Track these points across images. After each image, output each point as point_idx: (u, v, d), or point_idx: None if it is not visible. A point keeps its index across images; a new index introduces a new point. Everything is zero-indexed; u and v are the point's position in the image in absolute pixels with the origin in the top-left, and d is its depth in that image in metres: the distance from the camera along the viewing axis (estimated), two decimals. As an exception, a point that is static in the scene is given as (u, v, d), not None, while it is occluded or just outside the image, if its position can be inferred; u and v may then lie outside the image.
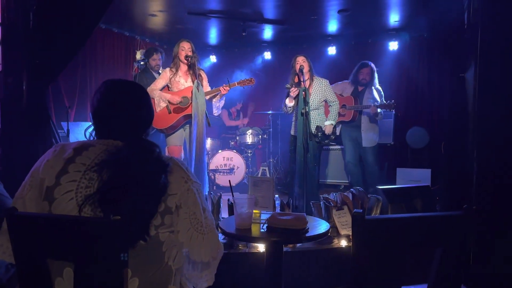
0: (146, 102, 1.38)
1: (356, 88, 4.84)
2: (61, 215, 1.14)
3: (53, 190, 1.17)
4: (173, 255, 1.26)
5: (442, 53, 3.39)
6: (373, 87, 4.77)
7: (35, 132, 3.03)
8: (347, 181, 5.70)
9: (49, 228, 1.09)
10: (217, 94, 4.09)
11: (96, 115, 1.31)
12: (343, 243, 3.01)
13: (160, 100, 3.92)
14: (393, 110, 4.82)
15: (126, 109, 1.31)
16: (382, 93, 4.83)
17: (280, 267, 1.86)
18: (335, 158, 5.85)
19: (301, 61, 4.09)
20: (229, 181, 1.92)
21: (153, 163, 1.22)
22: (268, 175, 5.95)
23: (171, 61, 4.05)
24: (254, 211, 1.87)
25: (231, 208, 3.13)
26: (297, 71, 4.04)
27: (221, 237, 2.99)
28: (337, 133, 5.04)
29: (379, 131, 4.91)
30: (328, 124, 4.11)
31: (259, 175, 6.00)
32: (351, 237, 3.06)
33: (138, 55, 5.91)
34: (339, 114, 4.83)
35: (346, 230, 3.16)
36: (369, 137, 4.75)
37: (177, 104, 3.90)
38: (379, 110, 4.58)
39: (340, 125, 4.96)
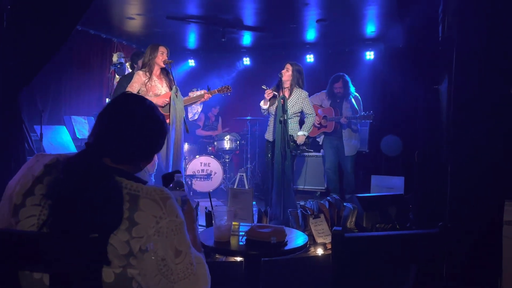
0: (154, 129, 1.24)
1: (335, 100, 4.94)
2: (22, 231, 1.09)
3: (18, 210, 1.10)
4: None
5: (417, 65, 3.48)
6: (350, 97, 4.88)
7: (7, 136, 2.94)
8: (323, 188, 5.77)
9: (13, 244, 1.07)
10: (198, 100, 4.12)
11: (98, 116, 1.23)
12: (319, 251, 3.04)
13: None
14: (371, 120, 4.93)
15: (125, 123, 1.19)
16: (360, 99, 4.94)
17: (258, 279, 1.87)
18: (312, 165, 5.90)
19: (285, 68, 4.12)
20: (209, 193, 1.92)
21: (102, 193, 1.07)
22: (245, 181, 5.95)
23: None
24: (233, 223, 1.87)
25: (208, 216, 3.12)
26: (279, 77, 4.06)
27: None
28: (320, 143, 5.15)
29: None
30: (300, 135, 4.12)
31: (237, 181, 6.00)
32: (327, 245, 3.11)
33: (115, 58, 5.81)
34: (321, 126, 4.93)
35: (322, 238, 3.19)
36: (350, 146, 4.86)
37: (164, 106, 3.83)
38: (354, 120, 4.70)
39: (323, 136, 5.06)
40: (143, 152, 1.24)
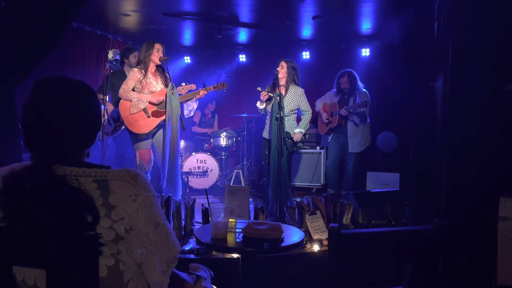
0: (85, 110, 1.14)
1: (343, 96, 4.97)
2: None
3: None
4: (137, 285, 1.14)
5: (412, 61, 3.49)
6: (357, 92, 4.89)
7: (3, 136, 2.93)
8: (320, 184, 5.80)
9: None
10: (193, 97, 4.11)
11: (21, 121, 1.10)
12: (316, 247, 3.05)
13: (139, 102, 3.81)
14: (364, 108, 4.92)
15: (51, 117, 1.08)
16: (368, 94, 4.95)
17: (255, 275, 1.88)
18: (308, 162, 5.92)
19: (279, 66, 4.12)
20: (205, 190, 1.92)
21: (62, 199, 1.03)
22: (241, 178, 5.96)
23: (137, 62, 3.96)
24: (230, 220, 1.88)
25: (205, 213, 3.13)
26: (275, 74, 4.06)
27: (193, 242, 2.98)
28: (329, 140, 5.17)
29: None
30: (297, 132, 4.13)
31: (233, 178, 6.00)
32: (323, 241, 3.13)
33: (110, 55, 5.77)
34: (329, 122, 4.95)
35: (318, 234, 3.21)
36: (354, 143, 4.87)
37: (158, 104, 3.83)
38: (362, 109, 4.70)
39: (332, 134, 5.08)
40: (83, 140, 1.16)
